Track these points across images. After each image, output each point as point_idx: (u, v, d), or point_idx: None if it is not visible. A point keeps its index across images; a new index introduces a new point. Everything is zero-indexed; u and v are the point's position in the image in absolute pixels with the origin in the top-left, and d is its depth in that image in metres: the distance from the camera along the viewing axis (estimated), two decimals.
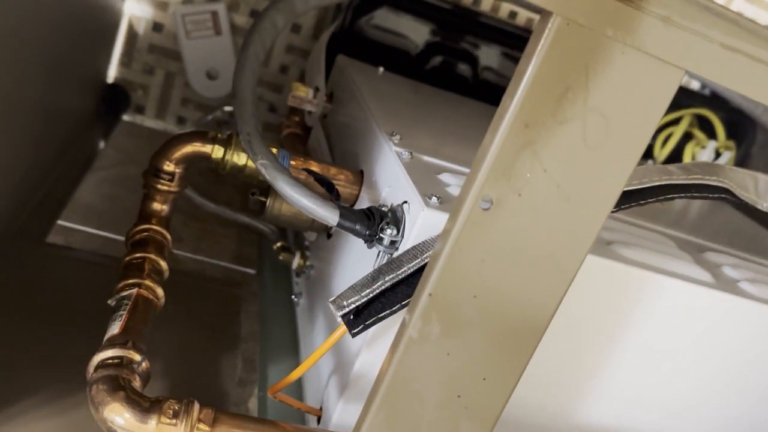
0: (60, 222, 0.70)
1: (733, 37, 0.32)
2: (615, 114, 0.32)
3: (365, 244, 0.47)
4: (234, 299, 0.67)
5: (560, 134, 0.32)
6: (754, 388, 0.55)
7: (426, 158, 0.53)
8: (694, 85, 1.01)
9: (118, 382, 0.40)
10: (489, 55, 0.90)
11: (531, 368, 0.38)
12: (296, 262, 0.69)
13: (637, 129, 0.33)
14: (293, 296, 0.69)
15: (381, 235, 0.45)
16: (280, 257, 0.71)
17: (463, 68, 0.90)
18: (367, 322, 0.41)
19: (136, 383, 0.41)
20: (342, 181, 0.56)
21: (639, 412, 0.55)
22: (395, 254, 0.45)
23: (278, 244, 0.72)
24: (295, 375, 0.47)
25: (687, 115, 0.96)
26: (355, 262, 0.53)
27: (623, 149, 0.33)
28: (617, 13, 0.30)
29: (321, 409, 0.52)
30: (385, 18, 0.87)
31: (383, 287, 0.40)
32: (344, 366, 0.49)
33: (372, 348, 0.46)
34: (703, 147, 0.97)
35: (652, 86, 0.32)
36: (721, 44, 0.32)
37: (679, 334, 0.52)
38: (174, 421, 0.39)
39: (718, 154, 0.97)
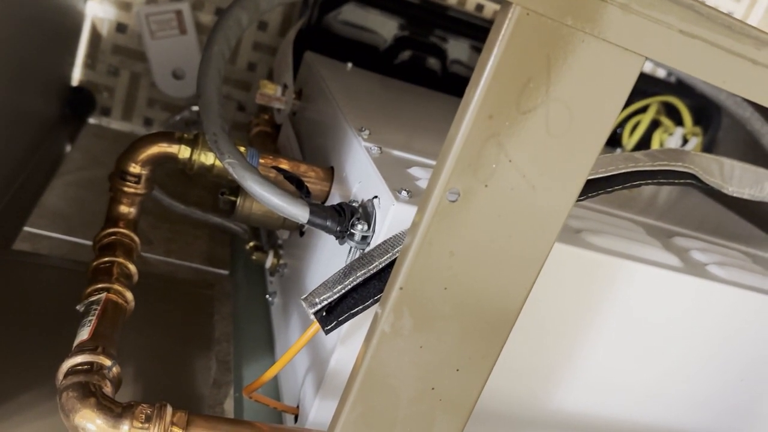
0: (26, 228, 0.69)
1: (691, 23, 0.32)
2: (577, 102, 0.33)
3: (337, 241, 0.47)
4: (207, 301, 0.67)
5: (524, 124, 0.32)
6: (725, 370, 0.56)
7: (396, 152, 0.52)
8: (660, 73, 1.02)
9: (88, 388, 0.39)
10: (457, 49, 0.90)
11: (503, 358, 0.38)
12: (269, 261, 0.68)
13: (599, 116, 0.33)
14: (267, 296, 0.68)
15: (352, 230, 0.45)
16: (253, 257, 0.70)
17: (432, 62, 0.90)
18: (340, 319, 0.41)
19: (107, 389, 0.40)
20: (312, 177, 0.56)
21: (612, 397, 0.56)
22: (367, 249, 0.44)
23: (251, 244, 0.72)
24: (269, 374, 0.47)
25: (654, 102, 0.98)
26: (328, 259, 0.52)
27: (586, 137, 0.33)
28: (576, 1, 0.30)
29: (298, 407, 0.51)
30: (352, 13, 0.86)
31: (355, 283, 0.40)
32: (319, 363, 0.49)
33: (347, 344, 0.46)
34: (671, 134, 0.99)
35: (613, 74, 0.33)
36: (680, 30, 0.32)
37: (650, 319, 0.52)
38: (146, 425, 0.38)
39: (685, 140, 0.99)
